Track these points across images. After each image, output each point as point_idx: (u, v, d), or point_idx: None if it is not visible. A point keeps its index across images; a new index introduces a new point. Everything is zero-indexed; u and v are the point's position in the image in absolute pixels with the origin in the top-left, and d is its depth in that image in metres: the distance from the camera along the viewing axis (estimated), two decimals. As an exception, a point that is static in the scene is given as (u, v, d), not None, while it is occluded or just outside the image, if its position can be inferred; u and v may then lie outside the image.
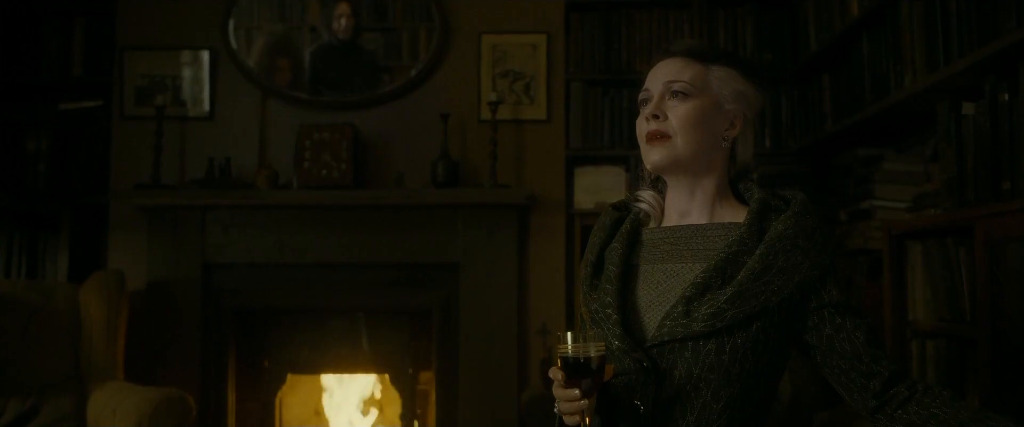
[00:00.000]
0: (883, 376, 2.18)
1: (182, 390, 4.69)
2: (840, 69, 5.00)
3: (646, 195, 2.45)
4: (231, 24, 5.82)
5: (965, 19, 3.60)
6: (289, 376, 5.91)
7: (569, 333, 2.10)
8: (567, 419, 2.16)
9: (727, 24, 5.83)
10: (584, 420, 2.11)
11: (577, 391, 2.08)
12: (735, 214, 2.35)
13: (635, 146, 2.39)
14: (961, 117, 3.54)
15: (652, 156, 2.32)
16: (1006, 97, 3.27)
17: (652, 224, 2.44)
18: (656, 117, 2.30)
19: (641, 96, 2.38)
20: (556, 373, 2.12)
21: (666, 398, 2.18)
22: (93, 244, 5.75)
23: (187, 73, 5.82)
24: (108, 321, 4.92)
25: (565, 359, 2.10)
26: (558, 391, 2.13)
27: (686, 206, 2.37)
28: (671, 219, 2.41)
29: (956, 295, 3.44)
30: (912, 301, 3.79)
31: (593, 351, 2.09)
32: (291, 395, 6.01)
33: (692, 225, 2.35)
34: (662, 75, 2.34)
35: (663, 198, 2.44)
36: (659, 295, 2.28)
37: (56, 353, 4.80)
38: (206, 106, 5.83)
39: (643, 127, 2.34)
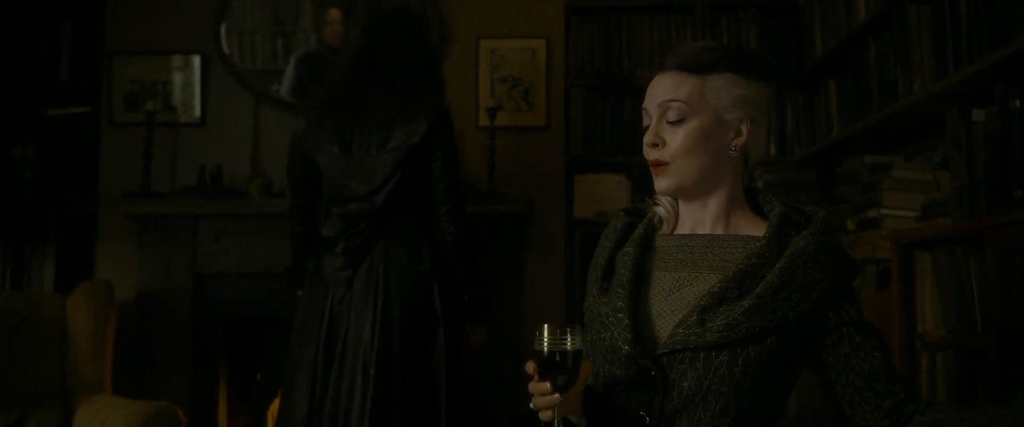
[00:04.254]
0: (898, 396, 2.16)
1: (172, 403, 4.60)
2: (846, 75, 4.95)
3: (664, 199, 2.39)
4: (223, 28, 5.78)
5: (974, 24, 3.54)
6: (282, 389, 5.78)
7: (546, 326, 2.06)
8: (541, 415, 2.11)
9: (730, 29, 5.76)
10: (557, 417, 2.08)
11: (548, 385, 2.05)
12: (751, 226, 2.30)
13: (636, 153, 2.34)
14: (971, 124, 3.47)
15: (659, 185, 2.29)
16: (1017, 103, 3.21)
17: (665, 229, 2.38)
18: (655, 144, 2.25)
19: (643, 114, 2.33)
20: (530, 366, 2.07)
21: (673, 410, 2.13)
22: (81, 253, 5.69)
23: (178, 78, 5.78)
24: (96, 332, 4.84)
25: (539, 352, 2.06)
26: (532, 386, 2.09)
27: (699, 217, 2.33)
28: (684, 227, 2.36)
29: (966, 306, 3.36)
30: (921, 312, 3.70)
31: (569, 345, 2.05)
32: (284, 408, 5.92)
33: (708, 235, 2.30)
34: (657, 94, 2.27)
35: (678, 203, 2.39)
36: (671, 303, 2.23)
37: (42, 365, 4.72)
38: (197, 112, 5.79)
39: (646, 152, 2.29)
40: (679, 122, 2.22)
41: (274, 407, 5.76)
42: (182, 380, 5.47)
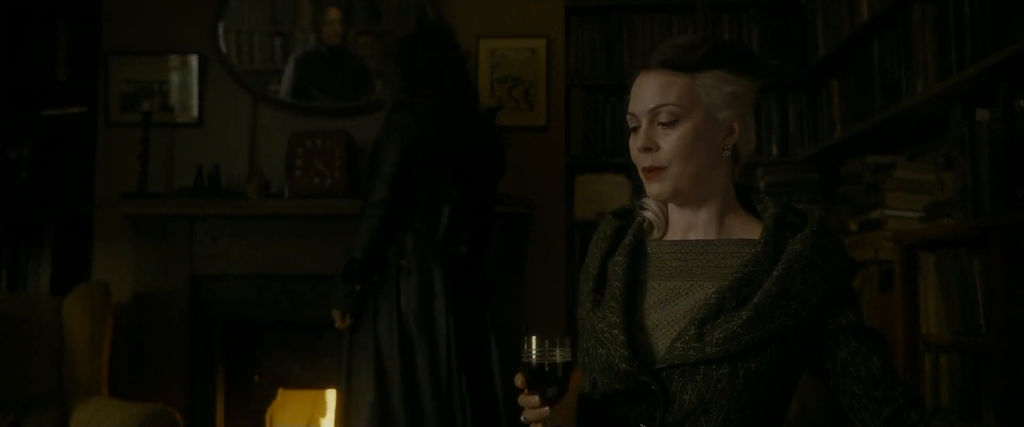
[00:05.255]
0: (897, 402, 2.10)
1: (169, 406, 4.55)
2: (849, 74, 4.92)
3: (651, 203, 2.32)
4: (221, 28, 5.75)
5: (979, 23, 3.51)
6: (280, 391, 5.80)
7: (534, 337, 2.05)
8: None
9: (732, 28, 5.73)
10: None
11: (537, 398, 2.04)
12: (745, 229, 2.23)
13: None
14: (975, 124, 3.43)
15: (652, 189, 2.20)
16: (1021, 103, 3.17)
17: (656, 234, 2.31)
18: (648, 149, 2.17)
19: (628, 119, 2.24)
20: (519, 379, 2.06)
21: (673, 422, 2.09)
22: (77, 255, 5.67)
23: (175, 78, 5.75)
24: (92, 334, 4.80)
25: (527, 364, 2.05)
26: (522, 399, 2.08)
27: (691, 219, 2.26)
28: (676, 231, 2.29)
29: (970, 307, 3.33)
30: (925, 314, 3.68)
31: (558, 357, 2.03)
32: (282, 411, 5.88)
33: (701, 241, 2.23)
34: (646, 97, 2.18)
35: (667, 207, 2.31)
36: (667, 315, 2.17)
37: (38, 367, 4.69)
38: (195, 112, 5.76)
39: (637, 158, 2.21)
40: (672, 125, 2.14)
41: (272, 409, 5.73)
42: (179, 382, 5.44)
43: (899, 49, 4.21)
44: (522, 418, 2.09)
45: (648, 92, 2.18)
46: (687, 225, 2.26)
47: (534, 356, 2.03)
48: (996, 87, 3.29)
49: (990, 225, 3.13)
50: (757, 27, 5.70)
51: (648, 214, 2.32)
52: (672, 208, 2.29)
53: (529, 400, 2.05)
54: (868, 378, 2.11)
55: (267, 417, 5.76)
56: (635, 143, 2.20)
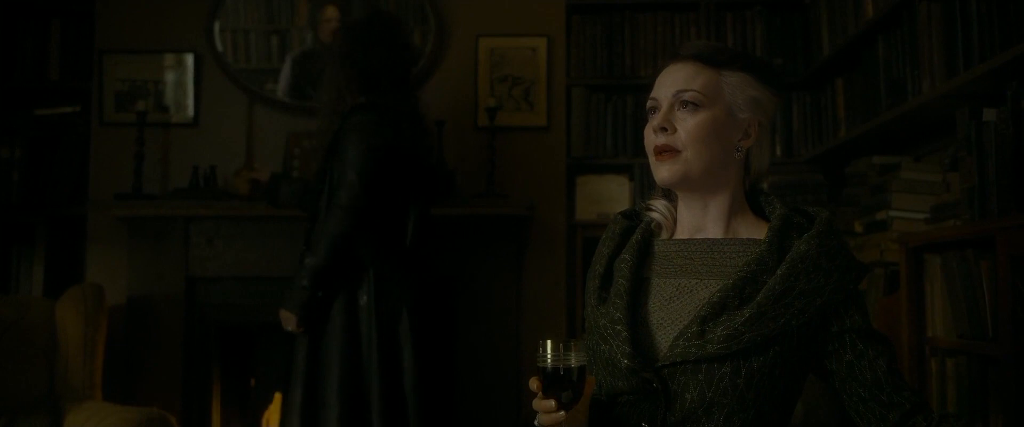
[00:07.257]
0: (903, 407, 2.10)
1: (164, 410, 4.54)
2: (854, 74, 4.89)
3: (658, 204, 2.36)
4: (216, 26, 5.71)
5: (986, 22, 3.49)
6: (277, 394, 5.73)
7: (549, 342, 2.05)
8: None
9: (736, 27, 5.68)
10: None
11: (552, 402, 2.04)
12: (752, 229, 2.26)
13: (639, 154, 2.27)
14: (982, 124, 3.40)
15: (661, 172, 2.22)
16: None
17: (664, 235, 2.34)
18: (664, 130, 2.20)
19: (649, 104, 2.28)
20: (534, 383, 2.06)
21: (676, 422, 2.10)
22: (70, 257, 5.63)
23: (170, 77, 5.70)
24: (85, 338, 4.78)
25: (543, 369, 2.05)
26: (537, 403, 2.08)
27: (699, 221, 2.28)
28: (684, 232, 2.32)
29: (977, 310, 3.31)
30: (931, 317, 3.67)
31: (573, 361, 2.04)
32: (278, 415, 5.81)
33: (708, 239, 2.26)
34: (671, 83, 2.23)
35: (675, 208, 2.34)
36: (671, 312, 2.20)
37: (30, 371, 4.66)
38: (190, 112, 5.71)
39: (651, 139, 2.24)
40: (693, 111, 2.19)
41: (269, 412, 5.69)
42: (174, 386, 5.40)
43: (905, 48, 4.19)
44: (536, 423, 2.08)
45: (674, 78, 2.23)
46: (694, 225, 2.29)
47: (549, 360, 2.03)
48: (1003, 87, 3.27)
49: (997, 227, 3.12)
50: (761, 25, 5.66)
51: (655, 215, 2.35)
52: (681, 208, 2.32)
53: (544, 404, 2.04)
54: (874, 382, 2.11)
55: (264, 421, 5.73)
56: (653, 123, 2.23)
